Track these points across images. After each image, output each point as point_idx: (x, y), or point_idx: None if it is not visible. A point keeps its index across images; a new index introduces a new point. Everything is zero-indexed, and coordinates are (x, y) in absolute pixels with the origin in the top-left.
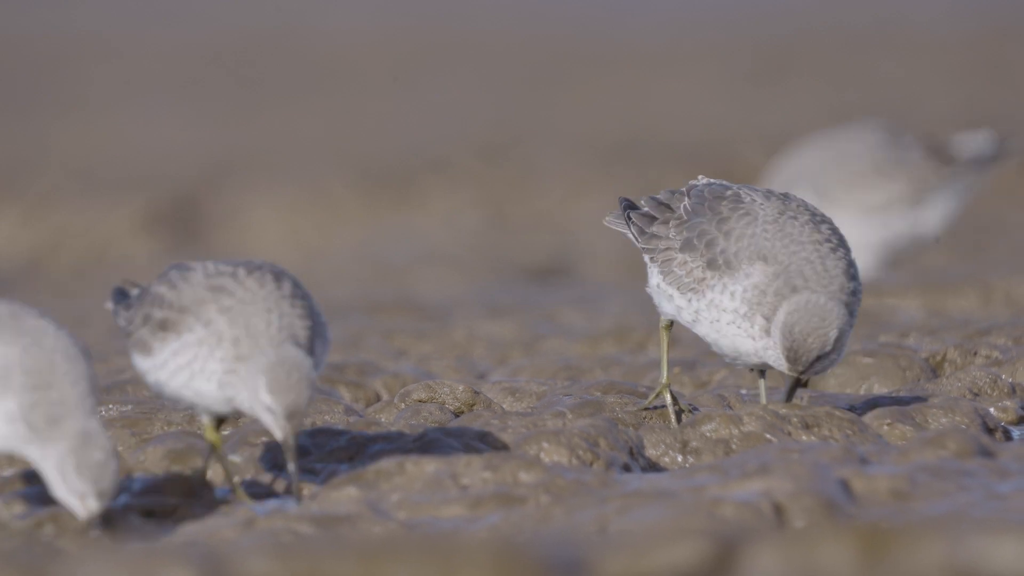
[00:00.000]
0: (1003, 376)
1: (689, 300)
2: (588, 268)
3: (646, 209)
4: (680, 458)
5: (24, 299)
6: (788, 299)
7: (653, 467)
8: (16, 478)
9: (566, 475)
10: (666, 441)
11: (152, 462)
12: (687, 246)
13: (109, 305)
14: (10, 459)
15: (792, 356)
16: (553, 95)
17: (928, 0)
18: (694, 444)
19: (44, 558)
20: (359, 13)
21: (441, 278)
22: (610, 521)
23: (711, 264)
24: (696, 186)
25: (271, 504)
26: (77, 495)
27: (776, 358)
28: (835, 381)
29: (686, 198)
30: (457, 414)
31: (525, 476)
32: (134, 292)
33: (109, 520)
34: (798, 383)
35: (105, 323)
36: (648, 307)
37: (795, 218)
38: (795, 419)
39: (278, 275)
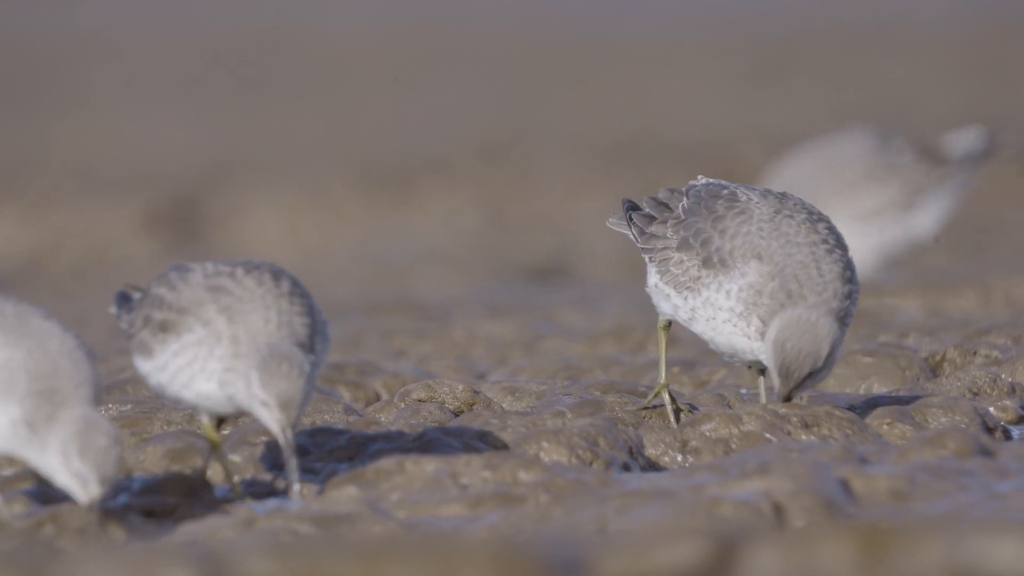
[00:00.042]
0: (1003, 376)
1: (685, 298)
2: (588, 268)
3: (647, 210)
4: (680, 457)
5: (24, 299)
6: (779, 315)
7: (653, 466)
8: (16, 478)
9: (566, 474)
10: (666, 440)
11: (152, 462)
12: (683, 245)
13: (112, 309)
14: (10, 459)
15: (784, 372)
16: (553, 95)
17: (928, 0)
18: (694, 443)
19: (44, 558)
20: (359, 13)
21: (441, 278)
22: (610, 521)
23: (706, 262)
24: (695, 186)
25: (271, 504)
26: (79, 480)
27: (768, 370)
28: (835, 381)
29: (684, 198)
30: (457, 414)
31: (525, 475)
32: (136, 296)
33: (108, 512)
34: (788, 400)
35: (105, 323)
36: (648, 307)
37: (791, 217)
38: (795, 418)
39: (277, 274)
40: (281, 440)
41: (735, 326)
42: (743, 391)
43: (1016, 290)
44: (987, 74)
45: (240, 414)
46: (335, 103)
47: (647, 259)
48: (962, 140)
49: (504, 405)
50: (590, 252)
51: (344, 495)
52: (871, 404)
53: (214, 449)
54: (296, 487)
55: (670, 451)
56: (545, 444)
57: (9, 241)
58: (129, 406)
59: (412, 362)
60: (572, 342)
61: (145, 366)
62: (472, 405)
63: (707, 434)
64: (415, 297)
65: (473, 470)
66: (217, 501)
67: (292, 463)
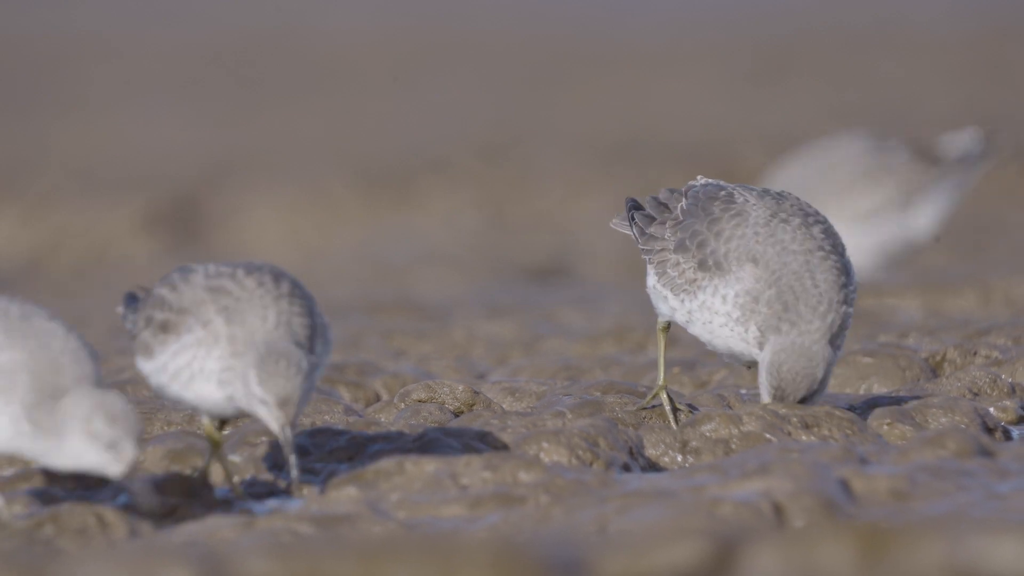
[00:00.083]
0: (1003, 376)
1: (682, 301)
2: (588, 268)
3: (647, 210)
4: (680, 458)
5: (24, 300)
6: (775, 339)
7: (653, 467)
8: (16, 478)
9: (566, 475)
10: (666, 441)
11: (152, 462)
12: (680, 247)
13: (120, 309)
14: (10, 459)
15: (779, 396)
16: (553, 95)
17: (928, 0)
18: (694, 444)
19: (44, 558)
20: (359, 13)
21: (441, 278)
22: (610, 521)
23: (702, 265)
24: (694, 186)
25: (271, 504)
26: (112, 447)
27: (763, 392)
28: (835, 381)
29: (683, 199)
30: (457, 414)
31: (525, 476)
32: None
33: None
34: None
35: (105, 323)
36: (648, 307)
37: (786, 222)
38: (795, 419)
39: (277, 275)
40: (280, 438)
41: (732, 331)
42: (743, 391)
43: (1016, 290)
44: (987, 74)
45: (241, 415)
46: (335, 103)
47: (646, 260)
48: (958, 140)
49: (504, 405)
50: (590, 252)
51: (344, 495)
52: (871, 404)
53: (214, 449)
54: (295, 485)
55: (670, 451)
56: (545, 444)
57: (9, 241)
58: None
59: (412, 362)
60: (572, 342)
61: (146, 366)
62: (472, 405)
63: (707, 434)
64: (415, 297)
65: (473, 471)
66: (217, 501)
67: (292, 461)
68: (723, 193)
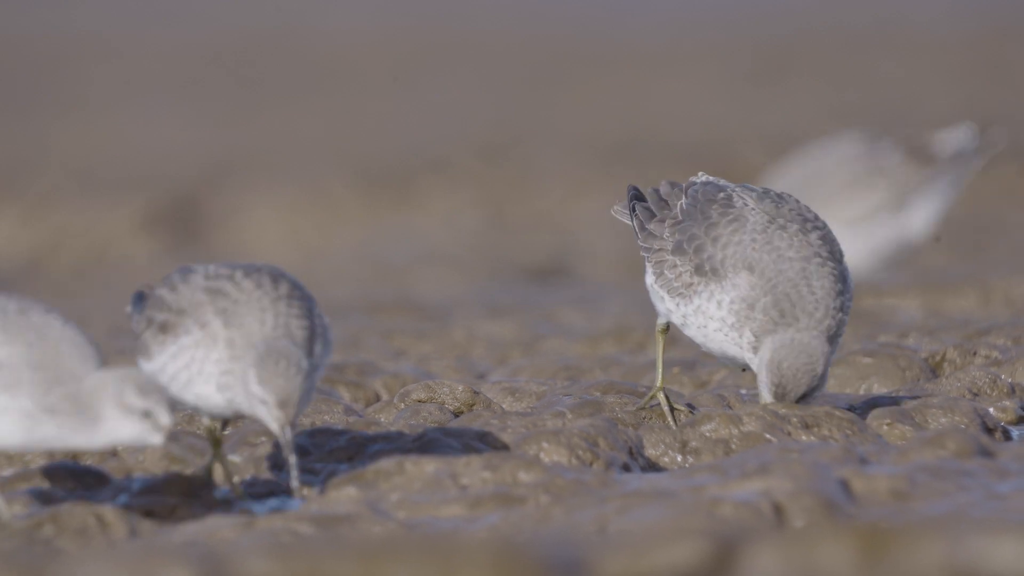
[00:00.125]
0: (1002, 376)
1: (678, 304)
2: (588, 268)
3: (648, 203)
4: (680, 458)
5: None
6: (772, 336)
7: (653, 467)
8: (16, 478)
9: (566, 475)
10: (665, 441)
11: (152, 462)
12: (677, 249)
13: (128, 308)
14: (9, 459)
15: (780, 393)
16: (553, 95)
17: (928, 0)
18: (694, 444)
19: (44, 558)
20: (359, 13)
21: (441, 278)
22: (610, 521)
23: (698, 270)
24: (694, 184)
25: (271, 504)
26: (148, 419)
27: (763, 391)
28: (835, 381)
29: (684, 196)
30: (457, 414)
31: (525, 476)
32: None
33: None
34: None
35: (105, 323)
36: (647, 307)
37: (784, 228)
38: (795, 419)
39: (276, 277)
40: (280, 439)
41: (726, 335)
42: (743, 391)
43: (1016, 290)
44: (987, 74)
45: (240, 417)
46: (335, 103)
47: (644, 256)
48: (953, 138)
49: (504, 405)
50: (590, 252)
51: (344, 495)
52: (871, 404)
53: (215, 449)
54: (295, 484)
55: (670, 451)
56: (545, 445)
57: (9, 241)
58: None
59: (412, 362)
60: (572, 342)
61: (146, 367)
62: (472, 405)
63: (707, 434)
64: (415, 297)
65: (473, 471)
66: (217, 501)
67: (292, 461)
68: (722, 196)
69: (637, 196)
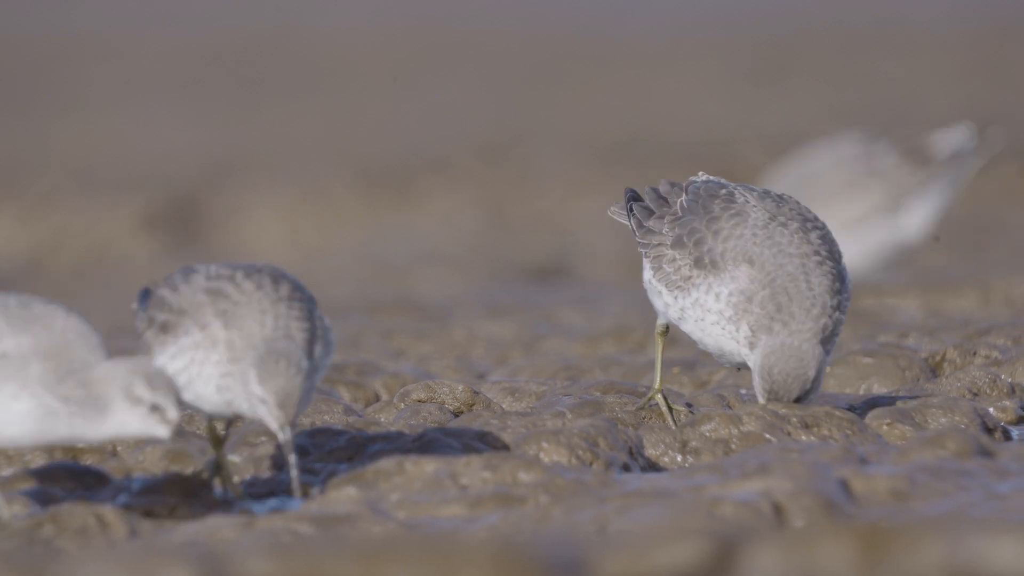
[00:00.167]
0: (1002, 376)
1: (676, 297)
2: (588, 268)
3: (646, 202)
4: (679, 458)
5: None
6: (765, 341)
7: (652, 467)
8: (16, 478)
9: (565, 475)
10: (665, 441)
11: (151, 462)
12: (677, 243)
13: (134, 305)
14: (9, 459)
15: (773, 397)
16: (553, 95)
17: (928, 0)
18: (693, 444)
19: (44, 558)
20: (359, 13)
21: (441, 278)
22: (609, 521)
23: (698, 263)
24: (695, 182)
25: (271, 504)
26: (157, 411)
27: (757, 394)
28: (835, 381)
29: (684, 194)
30: (456, 414)
31: (524, 476)
32: None
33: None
34: None
35: (105, 323)
36: (647, 307)
37: (784, 226)
38: (794, 419)
39: (277, 278)
40: (280, 438)
41: (723, 329)
42: (743, 391)
43: (1016, 290)
44: (987, 74)
45: (239, 417)
46: (335, 103)
47: (643, 253)
48: (950, 138)
49: (504, 405)
50: (590, 252)
51: (344, 495)
52: (871, 404)
53: (215, 449)
54: (296, 484)
55: (670, 451)
56: (545, 445)
57: (9, 241)
58: None
59: (412, 362)
60: (572, 342)
61: None
62: (472, 405)
63: (707, 434)
64: (415, 297)
65: (473, 471)
66: (217, 501)
67: (292, 461)
68: (724, 192)
69: (634, 197)
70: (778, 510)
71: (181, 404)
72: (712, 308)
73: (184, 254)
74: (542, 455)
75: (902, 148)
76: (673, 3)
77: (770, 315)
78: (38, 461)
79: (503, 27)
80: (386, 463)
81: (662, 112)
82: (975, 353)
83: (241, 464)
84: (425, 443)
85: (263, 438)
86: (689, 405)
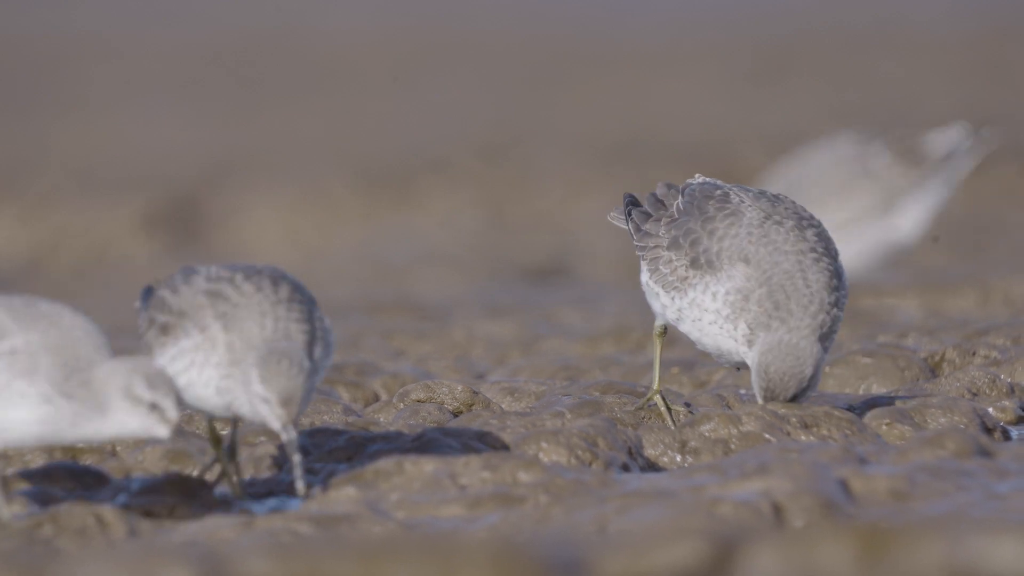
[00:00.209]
0: (1002, 376)
1: (673, 298)
2: (588, 268)
3: (644, 207)
4: (679, 458)
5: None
6: (762, 339)
7: (652, 467)
8: (16, 478)
9: (565, 475)
10: (665, 441)
11: (151, 462)
12: (673, 244)
13: (137, 303)
14: (9, 459)
15: (770, 395)
16: (553, 95)
17: (928, 0)
18: (693, 444)
19: (44, 558)
20: (359, 13)
21: (441, 278)
22: (609, 521)
23: (694, 263)
24: (691, 184)
25: (271, 504)
26: (156, 412)
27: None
28: (834, 381)
29: (680, 196)
30: (456, 414)
31: (524, 476)
32: None
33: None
34: None
35: (105, 323)
36: (646, 308)
37: (780, 224)
38: (794, 419)
39: (277, 279)
40: (283, 438)
41: (721, 328)
42: (742, 391)
43: (1016, 290)
44: (987, 74)
45: (238, 418)
46: (335, 103)
47: (640, 256)
48: (944, 138)
49: (503, 405)
50: (590, 252)
51: (343, 495)
52: (870, 404)
53: (216, 449)
54: (300, 484)
55: (669, 451)
56: (544, 445)
57: (9, 241)
58: None
59: (411, 362)
60: (571, 342)
61: None
62: (471, 405)
63: (706, 434)
64: (415, 297)
65: (472, 471)
66: (216, 501)
67: (295, 459)
68: (719, 192)
69: (633, 202)
70: (778, 510)
71: (181, 404)
72: (709, 308)
73: (184, 254)
74: (541, 455)
75: (896, 148)
76: (673, 3)
77: (768, 312)
78: (37, 461)
79: (503, 27)
80: (385, 463)
81: (662, 112)
82: (974, 353)
83: (241, 464)
84: (424, 443)
85: (262, 438)
86: (688, 405)
